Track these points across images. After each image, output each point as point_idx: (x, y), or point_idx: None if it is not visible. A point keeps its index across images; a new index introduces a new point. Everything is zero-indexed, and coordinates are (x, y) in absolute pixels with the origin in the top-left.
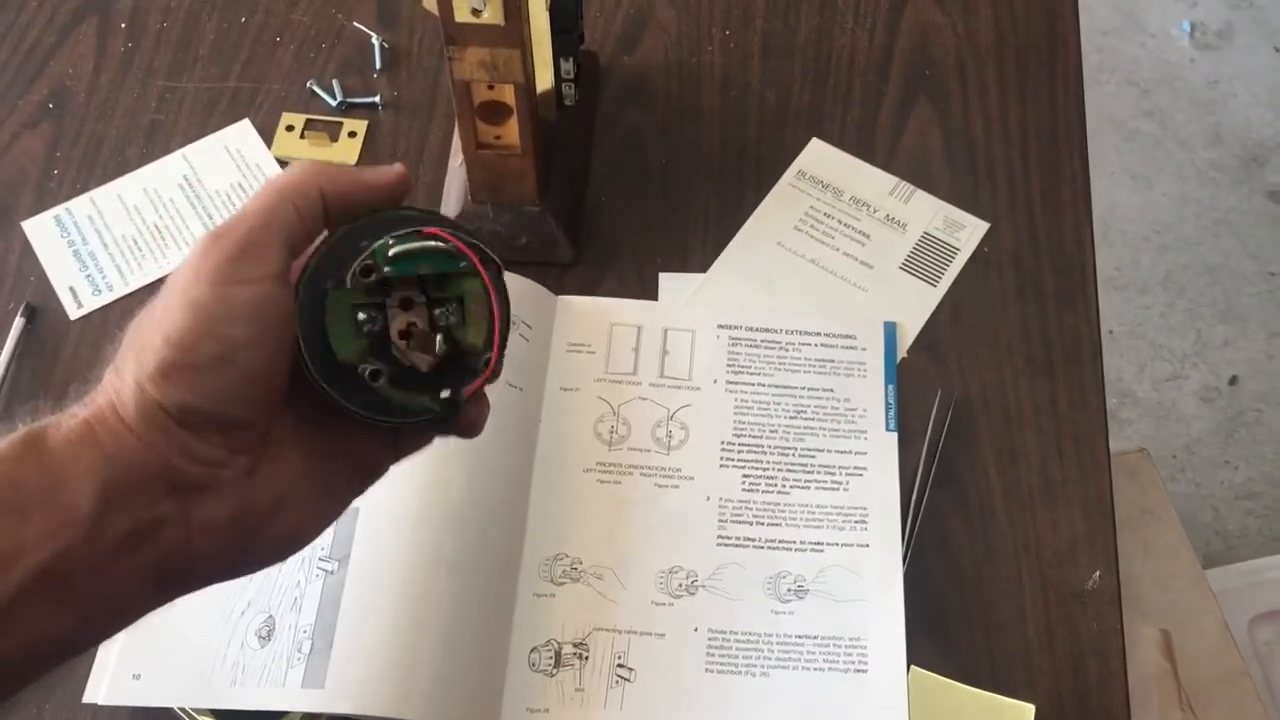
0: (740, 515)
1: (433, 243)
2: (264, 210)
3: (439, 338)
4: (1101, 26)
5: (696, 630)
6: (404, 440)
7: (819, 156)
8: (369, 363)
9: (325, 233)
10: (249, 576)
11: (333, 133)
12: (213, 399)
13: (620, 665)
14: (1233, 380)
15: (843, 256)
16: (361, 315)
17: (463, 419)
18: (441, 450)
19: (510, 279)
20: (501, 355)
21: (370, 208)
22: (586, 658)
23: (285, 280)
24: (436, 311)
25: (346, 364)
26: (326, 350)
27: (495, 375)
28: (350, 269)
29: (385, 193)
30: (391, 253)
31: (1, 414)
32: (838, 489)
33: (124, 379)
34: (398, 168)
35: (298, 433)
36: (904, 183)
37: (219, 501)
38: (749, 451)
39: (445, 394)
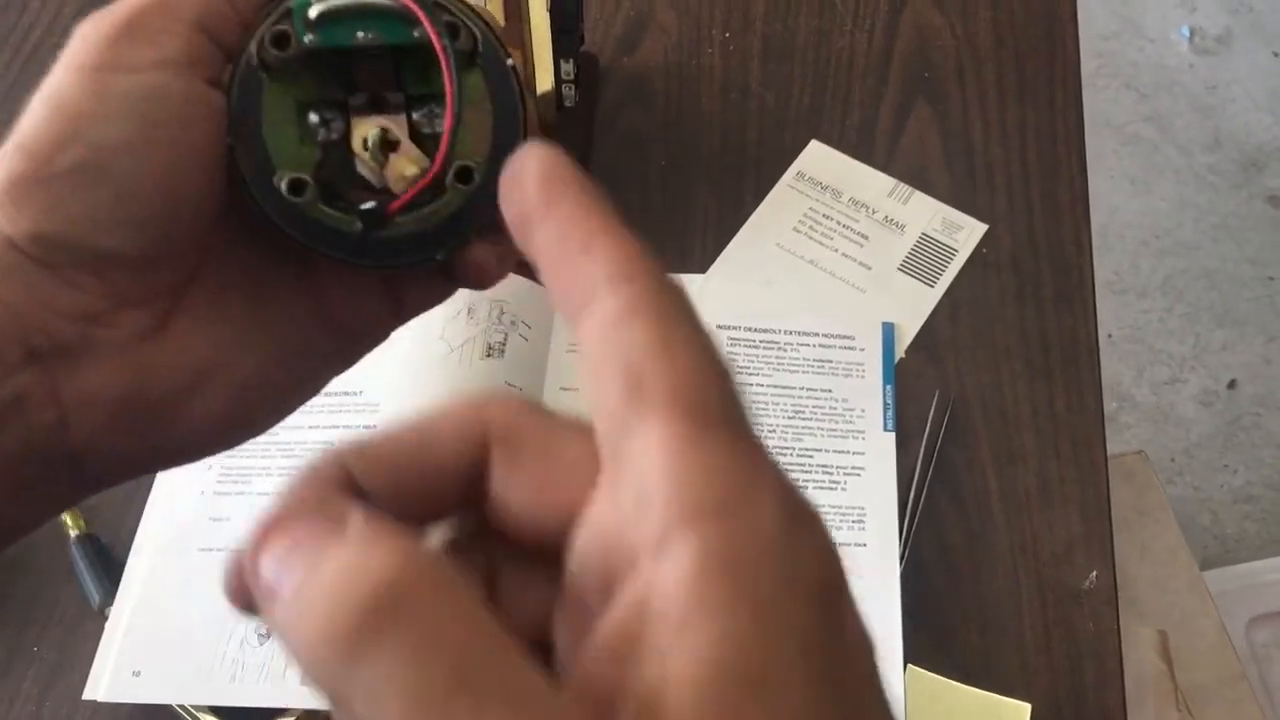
0: None
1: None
2: None
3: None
4: (1100, 31)
5: None
6: (406, 292)
7: (818, 158)
8: (291, 171)
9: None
10: None
11: None
12: (78, 225)
13: None
14: (1231, 384)
15: (841, 258)
16: (314, 117)
17: (467, 263)
18: None
19: (510, 280)
20: (496, 159)
21: None
22: None
23: (191, 71)
24: (417, 114)
25: (294, 180)
26: (266, 162)
27: (466, 187)
28: (254, 40)
29: None
30: (314, 12)
31: None
32: (835, 489)
33: None
34: None
35: (244, 282)
36: (903, 184)
37: (99, 370)
38: None
39: (367, 205)
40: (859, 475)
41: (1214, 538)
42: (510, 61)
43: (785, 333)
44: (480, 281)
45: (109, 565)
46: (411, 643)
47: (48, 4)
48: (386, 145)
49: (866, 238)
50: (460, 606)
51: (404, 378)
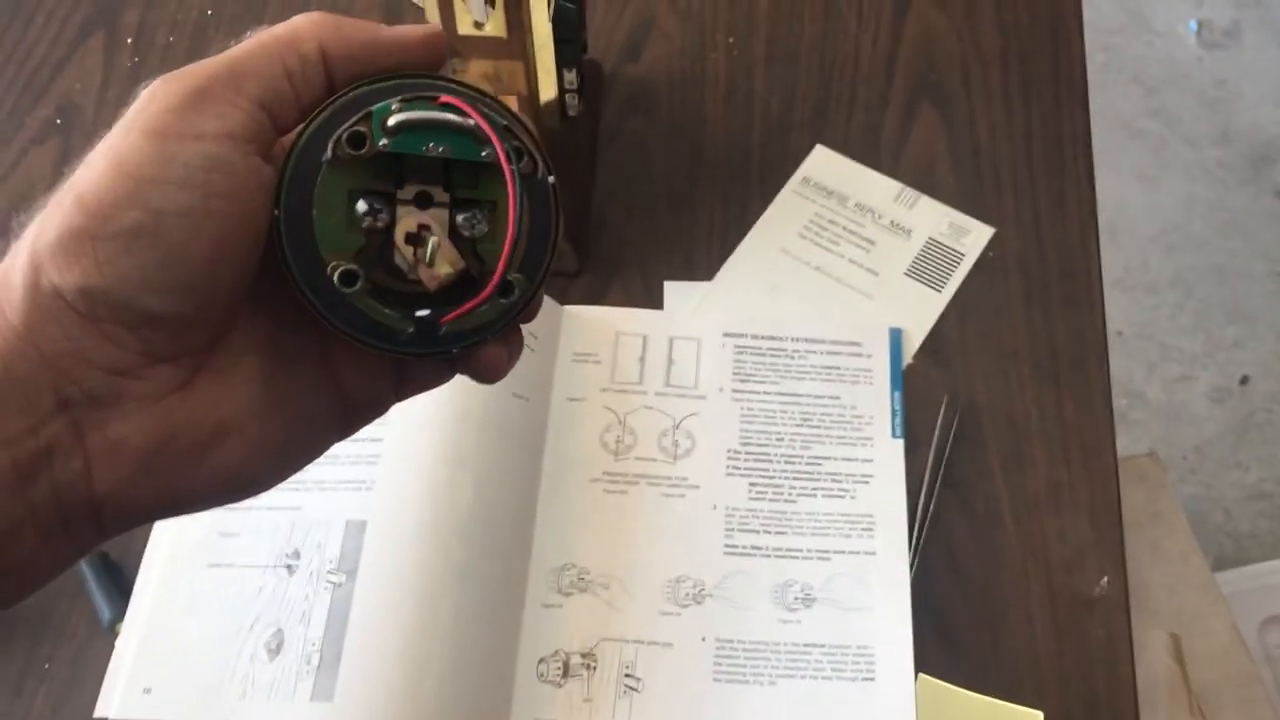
0: (747, 524)
1: (449, 115)
2: (239, 59)
3: (454, 251)
4: (1108, 25)
5: (704, 640)
6: (410, 374)
7: (823, 163)
8: (345, 261)
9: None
10: (257, 590)
11: None
12: (127, 284)
13: (628, 675)
14: (1243, 380)
15: (848, 263)
16: (362, 205)
17: (479, 358)
18: (448, 462)
19: None
20: (526, 275)
21: (390, 73)
22: (594, 668)
23: (250, 146)
24: (461, 217)
25: (346, 272)
26: (312, 242)
27: (505, 301)
28: (332, 140)
29: (409, 57)
30: (393, 120)
31: None
32: (844, 496)
33: (17, 254)
34: (432, 27)
35: (265, 347)
36: (909, 188)
37: (127, 421)
38: (755, 460)
39: (422, 313)
40: (868, 483)
41: (1227, 535)
42: (553, 180)
43: (792, 340)
44: (489, 377)
45: (119, 582)
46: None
47: (52, 19)
48: (424, 243)
49: (873, 243)
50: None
51: None
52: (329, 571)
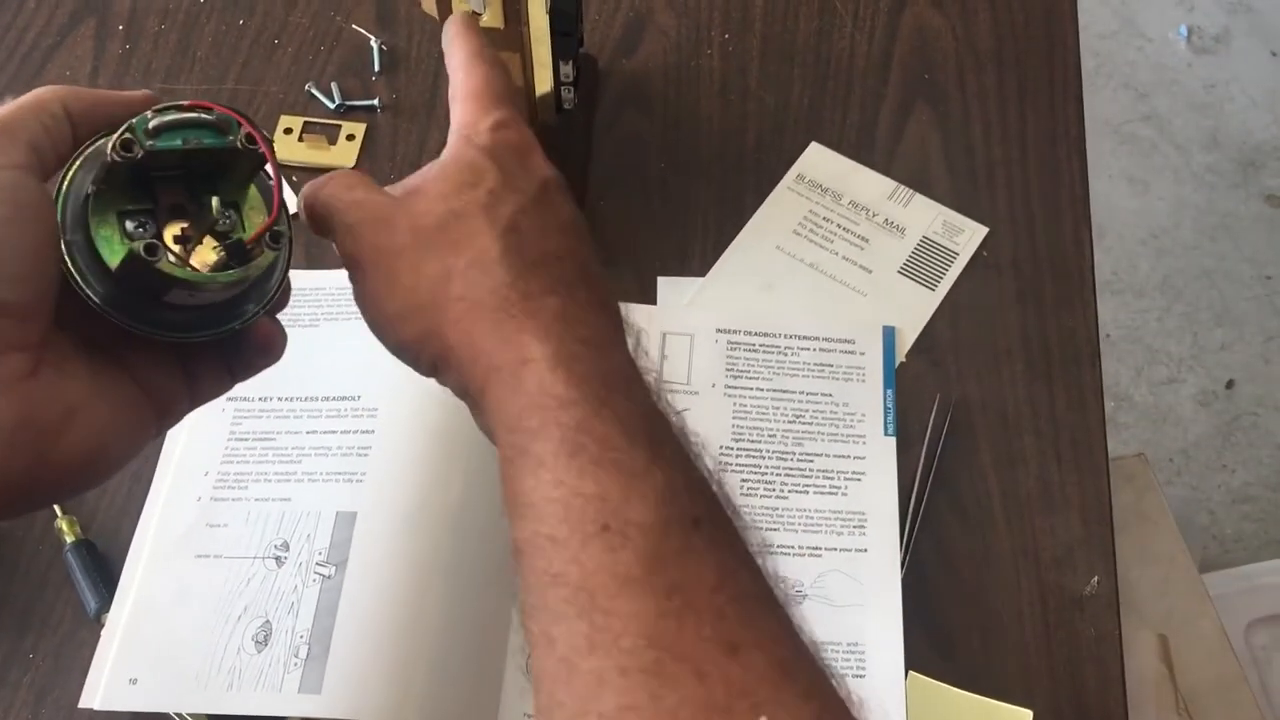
0: None
1: (195, 113)
2: (4, 119)
3: (213, 243)
4: (1099, 30)
5: None
6: (197, 374)
7: (818, 160)
8: (139, 240)
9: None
10: (245, 581)
11: (331, 135)
12: None
13: None
14: (1229, 384)
15: (841, 260)
16: (130, 223)
17: (253, 333)
18: (438, 454)
19: None
20: (276, 235)
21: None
22: None
23: (34, 174)
24: (214, 213)
25: (119, 272)
26: (96, 261)
27: (276, 248)
28: (109, 145)
29: (132, 111)
30: (151, 124)
31: None
32: (836, 494)
33: None
34: (145, 91)
35: (82, 349)
36: (903, 187)
37: None
38: (747, 456)
39: (228, 242)
40: (860, 480)
41: (1212, 538)
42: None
43: (785, 336)
44: (266, 355)
45: (105, 572)
46: (333, 184)
47: (43, 5)
48: (189, 240)
49: (867, 241)
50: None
51: (401, 382)
52: (318, 563)
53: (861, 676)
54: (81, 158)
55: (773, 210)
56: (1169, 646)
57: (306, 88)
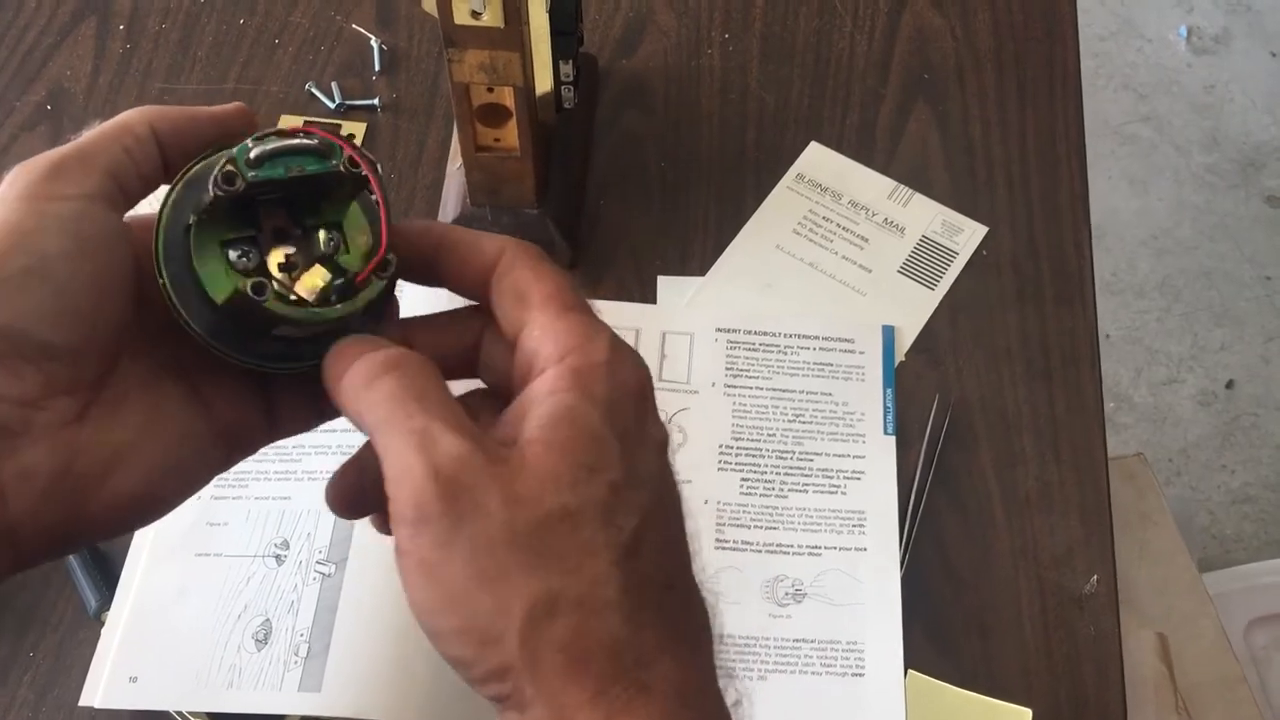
0: (738, 519)
1: (297, 140)
2: (84, 144)
3: (321, 267)
4: (1098, 31)
5: None
6: (280, 410)
7: (818, 160)
8: (250, 277)
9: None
10: (245, 579)
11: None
12: (23, 319)
13: None
14: (1229, 384)
15: (841, 260)
16: (233, 252)
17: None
18: None
19: None
20: (384, 266)
21: (213, 144)
22: None
23: (108, 205)
24: (318, 236)
25: (223, 306)
26: (200, 293)
27: (383, 277)
28: (210, 180)
29: (224, 128)
30: (253, 154)
31: None
32: (836, 492)
33: None
34: (237, 104)
35: (148, 382)
36: (902, 186)
37: (35, 449)
38: (747, 455)
39: (339, 281)
40: (859, 479)
41: (1212, 538)
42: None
43: (785, 336)
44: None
45: (105, 571)
46: (396, 381)
47: (44, 4)
48: (294, 267)
49: (866, 240)
50: (429, 378)
51: None
52: (318, 562)
53: (861, 675)
54: (181, 183)
55: (772, 210)
56: (1168, 646)
57: (307, 87)
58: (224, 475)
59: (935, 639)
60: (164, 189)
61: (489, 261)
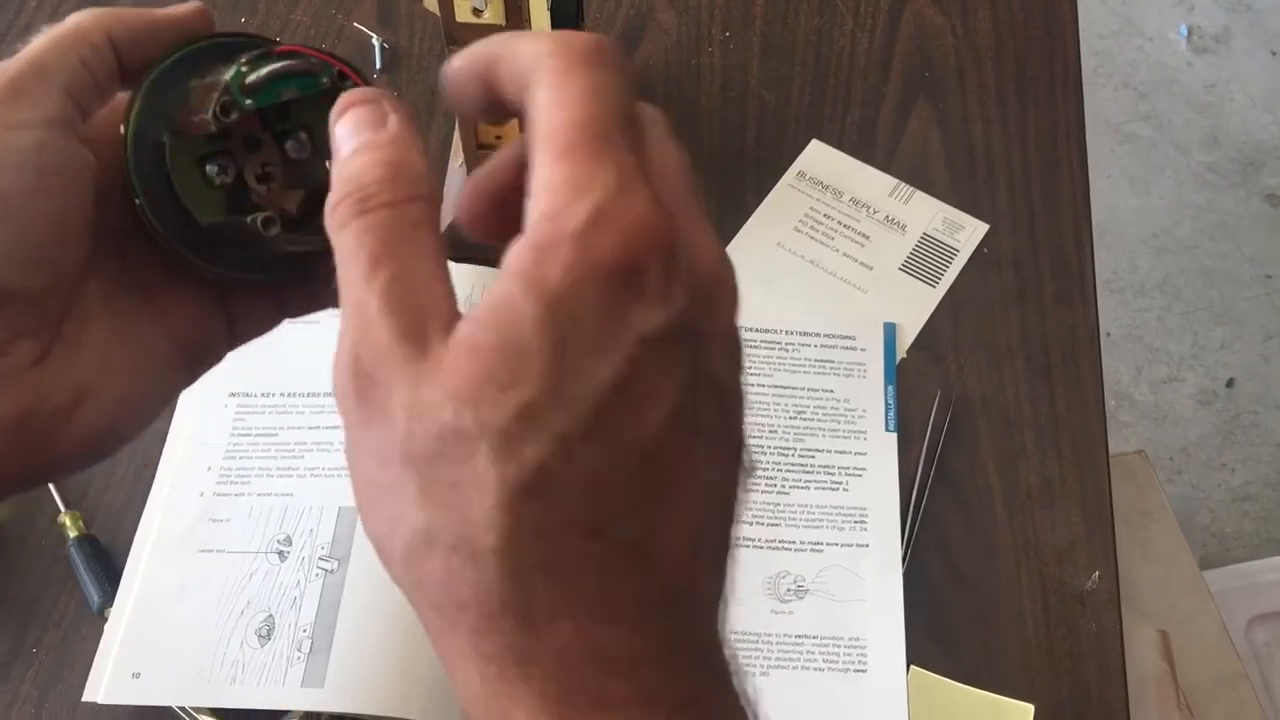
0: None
1: (291, 63)
2: (38, 55)
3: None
4: (1099, 30)
5: None
6: (238, 315)
7: (819, 158)
8: (254, 213)
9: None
10: (248, 575)
11: None
12: None
13: None
14: (1230, 383)
15: (842, 257)
16: (211, 168)
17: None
18: None
19: None
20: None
21: (171, 49)
22: None
23: (69, 131)
24: (288, 145)
25: (211, 225)
26: (179, 212)
27: None
28: (200, 114)
29: (184, 33)
30: (249, 79)
31: None
32: (837, 489)
33: None
34: (195, 5)
35: (103, 309)
36: (903, 184)
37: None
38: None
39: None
40: (861, 476)
41: (1212, 536)
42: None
43: (787, 333)
44: (313, 300)
45: (108, 567)
46: (362, 226)
47: (44, 4)
48: (271, 179)
49: (868, 237)
50: (405, 223)
51: None
52: (320, 558)
53: (863, 671)
54: (143, 93)
55: (773, 207)
56: (1170, 642)
57: None
58: (227, 472)
59: (937, 635)
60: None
61: (526, 79)
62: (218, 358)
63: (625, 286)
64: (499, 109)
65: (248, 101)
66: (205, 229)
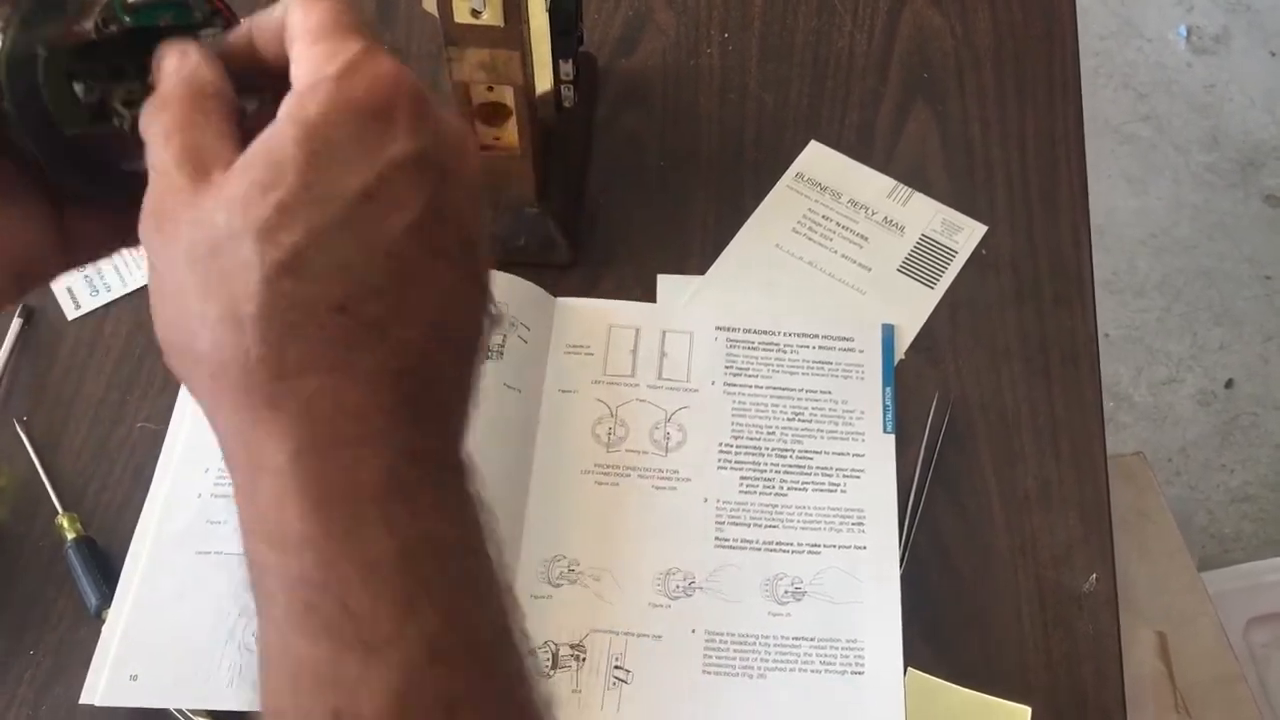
0: (738, 517)
1: None
2: None
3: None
4: (1098, 30)
5: (694, 632)
6: (76, 233)
7: (817, 159)
8: (71, 127)
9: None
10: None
11: None
12: None
13: (617, 667)
14: (1228, 384)
15: (841, 259)
16: (80, 86)
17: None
18: None
19: (509, 280)
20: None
21: None
22: (584, 659)
23: None
24: (150, 77)
25: (73, 136)
26: (43, 122)
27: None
28: (82, 23)
29: None
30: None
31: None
32: (835, 491)
33: None
34: None
35: None
36: (902, 185)
37: None
38: (747, 453)
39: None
40: (858, 477)
41: (1211, 537)
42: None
43: (784, 334)
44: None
45: (106, 569)
46: (162, 117)
47: None
48: (136, 103)
49: (866, 239)
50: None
51: None
52: None
53: (860, 673)
54: (20, 14)
55: (772, 208)
56: (1167, 644)
57: None
58: (224, 473)
59: (934, 637)
60: None
61: (279, 26)
62: (47, 278)
63: (376, 120)
64: (266, 77)
65: (127, 18)
66: (67, 141)
